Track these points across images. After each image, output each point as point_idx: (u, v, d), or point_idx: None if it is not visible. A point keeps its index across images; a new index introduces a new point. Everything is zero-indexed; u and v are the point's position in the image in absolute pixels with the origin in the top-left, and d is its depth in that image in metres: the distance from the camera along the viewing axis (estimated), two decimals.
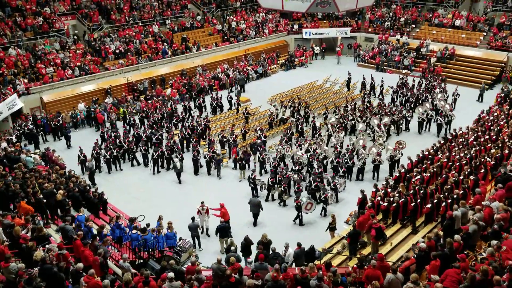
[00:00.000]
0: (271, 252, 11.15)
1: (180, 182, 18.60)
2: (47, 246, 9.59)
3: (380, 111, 22.95)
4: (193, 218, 14.07)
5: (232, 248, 12.14)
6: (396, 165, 18.21)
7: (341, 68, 33.15)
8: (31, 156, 17.75)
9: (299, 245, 11.85)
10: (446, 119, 22.17)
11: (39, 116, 23.35)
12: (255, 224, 15.60)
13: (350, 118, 22.64)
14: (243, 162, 18.50)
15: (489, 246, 9.30)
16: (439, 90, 26.44)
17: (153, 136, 20.84)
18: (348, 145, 19.70)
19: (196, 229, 14.12)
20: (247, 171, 18.60)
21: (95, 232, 11.51)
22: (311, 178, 16.90)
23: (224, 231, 13.69)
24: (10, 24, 26.79)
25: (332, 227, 14.28)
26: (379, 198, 14.39)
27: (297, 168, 18.17)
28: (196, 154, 19.09)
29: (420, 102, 24.96)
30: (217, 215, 14.25)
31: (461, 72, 30.80)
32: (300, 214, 15.47)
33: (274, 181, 17.05)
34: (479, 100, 26.74)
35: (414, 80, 28.80)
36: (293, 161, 18.77)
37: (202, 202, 14.73)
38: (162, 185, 18.56)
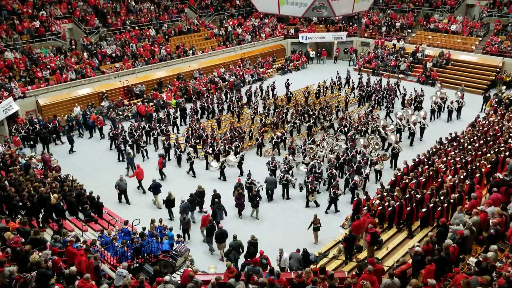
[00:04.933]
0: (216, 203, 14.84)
1: (133, 168, 19.10)
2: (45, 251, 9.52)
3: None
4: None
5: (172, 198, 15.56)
6: (394, 161, 19.30)
7: (331, 71, 32.97)
8: (27, 160, 17.68)
9: (298, 250, 11.92)
10: (457, 105, 24.66)
11: (35, 120, 23.25)
12: (270, 199, 17.17)
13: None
14: (256, 200, 16.06)
15: (485, 251, 9.33)
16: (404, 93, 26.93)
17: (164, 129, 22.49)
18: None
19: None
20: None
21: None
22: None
23: (156, 188, 16.49)
24: (6, 27, 26.73)
25: (315, 227, 14.32)
26: (376, 202, 14.42)
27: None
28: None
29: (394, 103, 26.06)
30: (130, 176, 17.93)
31: (457, 76, 30.92)
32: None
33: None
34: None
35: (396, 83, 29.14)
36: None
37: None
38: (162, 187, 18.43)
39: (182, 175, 19.42)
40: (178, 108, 25.85)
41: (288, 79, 30.18)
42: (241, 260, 12.82)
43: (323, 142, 20.17)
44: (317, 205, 16.69)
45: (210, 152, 19.86)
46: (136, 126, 21.98)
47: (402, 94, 26.71)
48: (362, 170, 17.69)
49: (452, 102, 24.76)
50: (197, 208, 16.12)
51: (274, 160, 18.46)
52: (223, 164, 18.72)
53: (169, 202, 15.70)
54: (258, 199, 15.97)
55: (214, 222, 14.00)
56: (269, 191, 17.20)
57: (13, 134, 21.90)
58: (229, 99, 27.87)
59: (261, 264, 11.45)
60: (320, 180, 17.59)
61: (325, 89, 29.28)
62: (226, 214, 15.13)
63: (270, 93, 28.61)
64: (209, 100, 26.80)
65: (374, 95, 26.89)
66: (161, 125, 22.80)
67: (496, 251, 9.03)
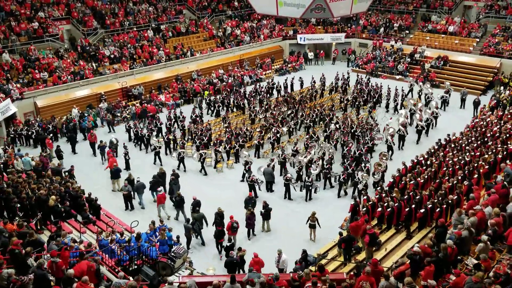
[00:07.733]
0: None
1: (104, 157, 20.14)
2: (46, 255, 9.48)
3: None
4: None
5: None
6: (402, 142, 20.83)
7: (329, 72, 32.97)
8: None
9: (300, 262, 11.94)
10: (448, 93, 26.48)
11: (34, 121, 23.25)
12: (271, 190, 17.79)
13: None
14: (266, 211, 15.12)
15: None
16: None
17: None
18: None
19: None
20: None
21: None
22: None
23: (116, 173, 17.84)
24: (4, 29, 26.69)
25: (312, 225, 14.35)
26: (370, 202, 14.41)
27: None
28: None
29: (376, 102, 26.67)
30: (106, 167, 18.75)
31: (455, 78, 30.91)
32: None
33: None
34: (461, 107, 26.50)
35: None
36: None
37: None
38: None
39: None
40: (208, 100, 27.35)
41: (300, 77, 31.41)
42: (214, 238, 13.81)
43: (312, 149, 20.04)
44: (346, 193, 17.44)
45: (220, 150, 20.13)
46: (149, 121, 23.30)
47: (386, 94, 27.00)
48: (363, 157, 18.31)
49: (446, 92, 26.30)
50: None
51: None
52: (180, 155, 19.53)
53: (129, 182, 16.94)
54: (264, 210, 14.91)
55: (181, 196, 15.48)
56: (268, 183, 17.72)
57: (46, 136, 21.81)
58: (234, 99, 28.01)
59: (232, 228, 13.46)
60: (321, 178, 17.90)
61: (308, 94, 29.02)
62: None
63: (289, 88, 29.76)
64: (240, 94, 28.20)
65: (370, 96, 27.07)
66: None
67: (485, 242, 9.24)
